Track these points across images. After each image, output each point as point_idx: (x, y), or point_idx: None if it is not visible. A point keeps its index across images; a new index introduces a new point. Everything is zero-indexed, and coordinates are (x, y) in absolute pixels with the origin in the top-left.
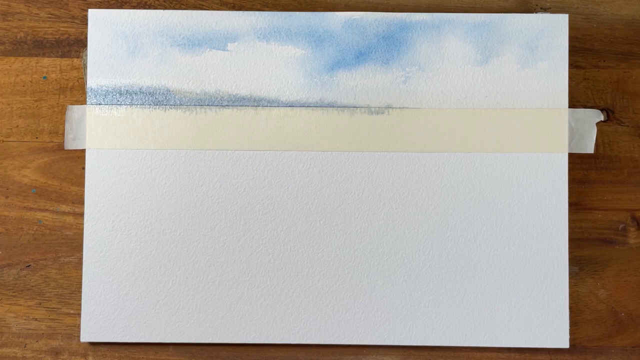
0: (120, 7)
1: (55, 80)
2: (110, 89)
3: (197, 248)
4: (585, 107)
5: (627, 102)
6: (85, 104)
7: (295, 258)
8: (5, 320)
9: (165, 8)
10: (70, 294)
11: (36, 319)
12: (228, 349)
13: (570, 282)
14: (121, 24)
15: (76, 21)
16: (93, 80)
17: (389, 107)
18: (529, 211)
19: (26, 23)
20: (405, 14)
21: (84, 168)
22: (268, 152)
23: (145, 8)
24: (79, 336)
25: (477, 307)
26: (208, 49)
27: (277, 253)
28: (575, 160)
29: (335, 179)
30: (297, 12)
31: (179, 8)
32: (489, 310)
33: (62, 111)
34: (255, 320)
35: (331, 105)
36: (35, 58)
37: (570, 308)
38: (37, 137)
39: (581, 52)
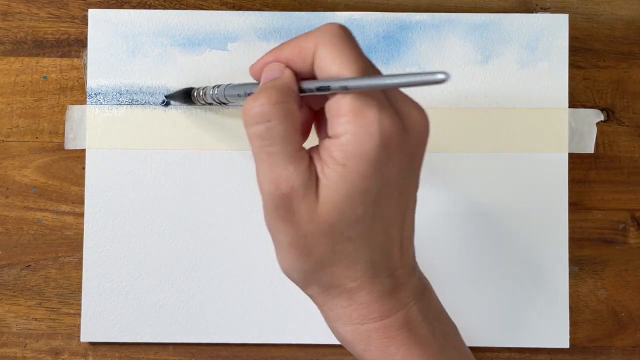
0: (120, 7)
1: (55, 80)
2: (110, 89)
3: (198, 248)
4: (585, 107)
5: (627, 102)
6: (85, 104)
7: None
8: (5, 320)
9: (165, 8)
10: (70, 294)
11: (36, 319)
12: (228, 349)
13: (570, 282)
14: (121, 24)
15: (76, 21)
16: (93, 80)
17: None
18: (529, 211)
19: (26, 23)
20: (405, 14)
21: (84, 168)
22: None
23: (145, 8)
24: (79, 336)
25: (476, 307)
26: (208, 49)
27: None
28: (575, 160)
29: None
30: (297, 12)
31: (179, 8)
32: (488, 310)
33: (62, 111)
34: (255, 320)
35: None
36: (35, 58)
37: (570, 308)
38: (37, 137)
39: (581, 52)
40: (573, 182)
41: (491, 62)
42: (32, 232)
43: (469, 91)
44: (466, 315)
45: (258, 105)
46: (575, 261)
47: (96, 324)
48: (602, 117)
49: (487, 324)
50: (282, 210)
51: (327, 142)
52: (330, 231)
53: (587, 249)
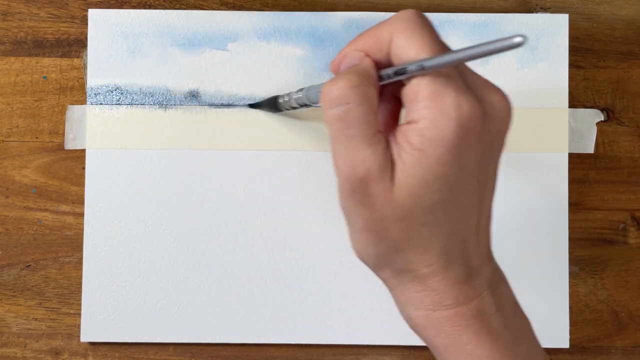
0: (120, 7)
1: (55, 80)
2: (110, 89)
3: (197, 248)
4: (585, 107)
5: (627, 102)
6: (85, 104)
7: (296, 258)
8: (5, 320)
9: (165, 8)
10: (70, 294)
11: (36, 319)
12: (228, 349)
13: (570, 282)
14: (121, 24)
15: (76, 21)
16: (93, 80)
17: None
18: (529, 211)
19: (26, 23)
20: None
21: (84, 168)
22: (269, 152)
23: (145, 8)
24: (79, 336)
25: None
26: (208, 49)
27: (278, 253)
28: (575, 160)
29: (335, 179)
30: (297, 12)
31: (179, 8)
32: None
33: (62, 111)
34: (255, 320)
35: None
36: (35, 58)
37: (570, 308)
38: (37, 137)
39: (581, 52)
40: (573, 182)
41: (491, 62)
42: (32, 232)
43: None
44: None
45: (337, 88)
46: (575, 261)
47: (96, 324)
48: (602, 117)
49: None
50: (357, 193)
51: (404, 127)
52: (405, 216)
53: (587, 249)
